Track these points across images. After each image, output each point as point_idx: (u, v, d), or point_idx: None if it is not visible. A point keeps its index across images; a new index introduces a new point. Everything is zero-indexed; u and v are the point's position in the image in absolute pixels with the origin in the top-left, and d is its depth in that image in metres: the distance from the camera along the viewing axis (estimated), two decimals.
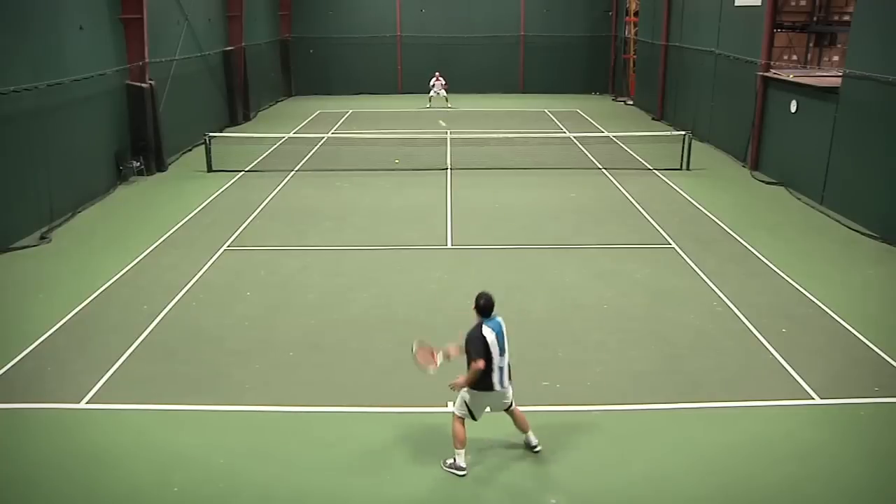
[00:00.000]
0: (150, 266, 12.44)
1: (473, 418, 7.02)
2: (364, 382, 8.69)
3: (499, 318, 6.95)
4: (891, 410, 8.01)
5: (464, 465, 6.97)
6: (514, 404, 7.16)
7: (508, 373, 6.95)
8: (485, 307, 6.86)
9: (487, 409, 7.06)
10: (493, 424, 7.78)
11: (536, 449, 7.26)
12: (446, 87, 31.45)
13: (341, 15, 36.20)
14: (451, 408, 8.03)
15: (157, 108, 19.37)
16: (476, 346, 6.70)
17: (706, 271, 12.08)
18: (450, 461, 7.01)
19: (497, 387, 6.84)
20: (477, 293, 6.98)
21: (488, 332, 6.74)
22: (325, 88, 36.52)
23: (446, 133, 24.50)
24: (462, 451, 6.97)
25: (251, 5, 28.71)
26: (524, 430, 7.28)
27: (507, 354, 6.87)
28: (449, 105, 31.27)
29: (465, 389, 6.88)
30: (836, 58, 19.30)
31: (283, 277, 11.97)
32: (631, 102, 33.01)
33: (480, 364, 6.65)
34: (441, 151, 21.69)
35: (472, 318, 6.99)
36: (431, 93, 31.44)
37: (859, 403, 8.12)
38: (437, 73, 31.73)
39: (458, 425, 6.99)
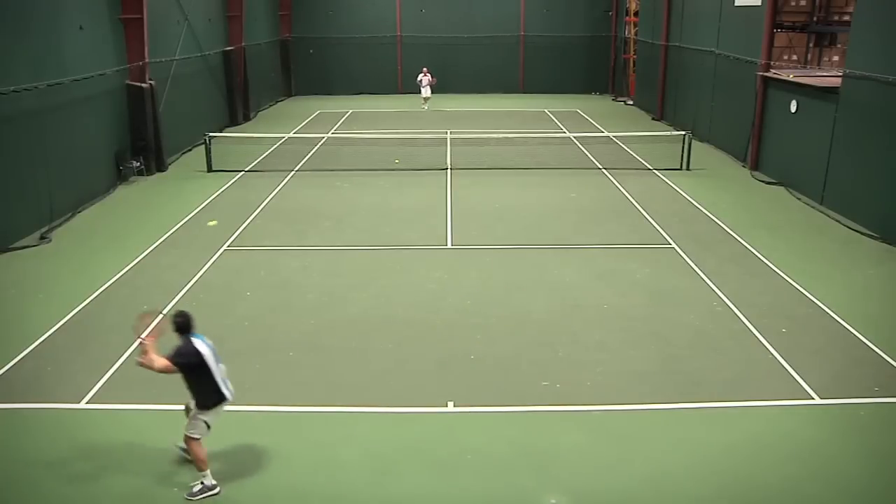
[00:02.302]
0: (150, 266, 12.44)
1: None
2: (364, 382, 8.69)
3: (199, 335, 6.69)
4: (891, 410, 8.01)
5: (214, 483, 6.68)
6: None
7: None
8: (184, 325, 6.57)
9: None
10: (492, 426, 7.79)
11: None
12: (433, 82, 30.71)
13: (341, 15, 36.21)
14: (451, 408, 8.07)
15: (157, 108, 19.37)
16: (185, 361, 6.45)
17: (706, 271, 12.08)
18: (197, 487, 6.63)
19: (228, 395, 6.67)
20: (176, 313, 6.69)
21: (202, 346, 6.52)
22: (325, 88, 36.53)
23: (446, 133, 24.51)
24: (208, 471, 6.67)
25: (251, 5, 28.71)
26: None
27: (221, 364, 6.67)
28: (425, 107, 30.75)
29: (201, 412, 6.59)
30: (836, 58, 19.31)
31: (283, 277, 11.97)
32: (631, 102, 33.01)
33: (165, 366, 6.43)
34: (441, 151, 21.69)
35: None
36: (422, 91, 30.76)
37: (859, 403, 8.12)
38: (424, 69, 31.15)
39: (197, 447, 6.64)
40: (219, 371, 6.62)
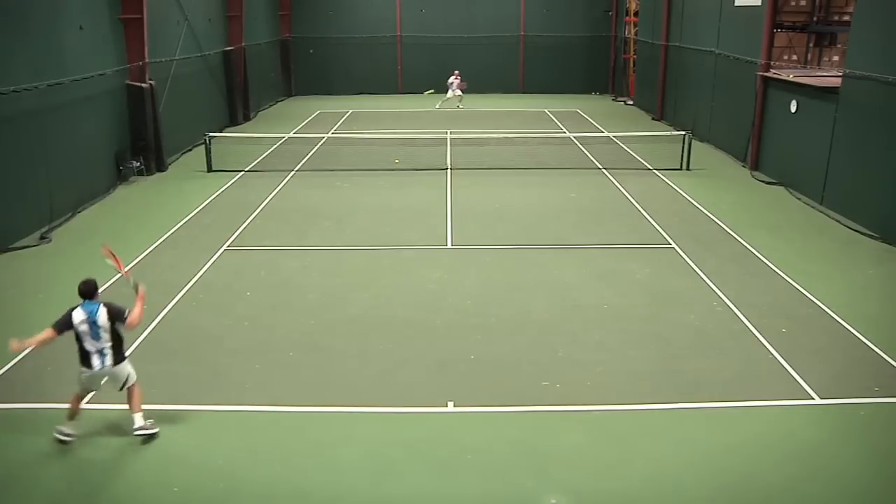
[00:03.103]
0: (150, 266, 12.44)
1: (94, 389, 7.52)
2: (364, 382, 8.69)
3: (100, 304, 7.26)
4: (891, 410, 8.01)
5: (70, 433, 7.38)
6: (129, 385, 7.50)
7: (114, 357, 7.30)
8: (82, 291, 7.30)
9: (104, 380, 7.46)
10: (492, 426, 7.79)
11: (137, 433, 7.42)
12: (463, 86, 31.12)
13: (341, 15, 36.20)
14: (451, 408, 8.09)
15: (157, 108, 19.37)
16: (59, 319, 7.21)
17: (706, 271, 12.08)
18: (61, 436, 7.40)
19: (96, 367, 7.25)
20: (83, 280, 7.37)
21: (77, 314, 7.18)
22: (325, 88, 36.53)
23: (446, 133, 24.51)
24: (70, 421, 7.41)
25: (251, 5, 28.71)
26: (132, 412, 7.49)
27: (104, 341, 7.21)
28: (460, 105, 31.14)
29: (81, 368, 7.33)
30: (836, 58, 19.30)
31: (283, 277, 11.97)
32: (631, 102, 33.01)
33: (48, 333, 7.16)
34: (441, 151, 21.69)
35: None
36: (449, 93, 31.13)
37: (859, 403, 8.12)
38: (455, 72, 31.53)
39: (73, 398, 7.45)
40: (94, 342, 7.19)
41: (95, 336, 7.18)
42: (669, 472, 6.98)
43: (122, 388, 7.49)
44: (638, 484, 6.82)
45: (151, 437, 7.46)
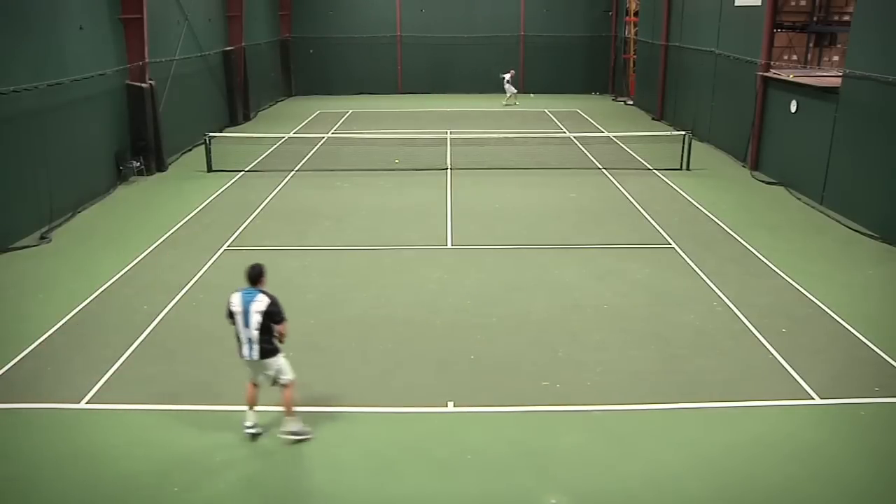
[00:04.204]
0: (150, 266, 12.44)
1: (257, 380, 7.49)
2: (364, 382, 8.69)
3: (260, 293, 7.15)
4: (891, 410, 8.01)
5: (248, 424, 7.44)
6: (281, 383, 7.43)
7: (261, 349, 7.18)
8: (247, 276, 7.28)
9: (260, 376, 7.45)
10: (492, 426, 7.79)
11: (284, 435, 7.43)
12: (509, 82, 32.08)
13: (341, 15, 36.21)
14: (451, 408, 8.09)
15: (157, 108, 19.37)
16: (226, 310, 7.30)
17: (706, 271, 12.08)
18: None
19: (245, 355, 7.25)
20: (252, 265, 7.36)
21: (234, 297, 7.20)
22: (325, 88, 36.53)
23: (446, 133, 24.51)
24: (248, 411, 7.47)
25: (251, 5, 28.71)
26: (285, 414, 7.50)
27: (252, 329, 7.10)
28: (504, 103, 31.74)
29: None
30: (836, 58, 19.31)
31: (283, 277, 11.94)
32: (631, 102, 33.01)
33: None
34: (441, 151, 21.69)
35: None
36: (508, 90, 32.00)
37: (859, 403, 8.12)
38: (511, 71, 32.67)
39: (248, 388, 7.48)
40: (244, 330, 7.14)
41: (246, 324, 7.10)
42: (669, 472, 6.98)
43: (273, 384, 7.42)
44: (638, 484, 6.82)
45: (301, 441, 7.44)
